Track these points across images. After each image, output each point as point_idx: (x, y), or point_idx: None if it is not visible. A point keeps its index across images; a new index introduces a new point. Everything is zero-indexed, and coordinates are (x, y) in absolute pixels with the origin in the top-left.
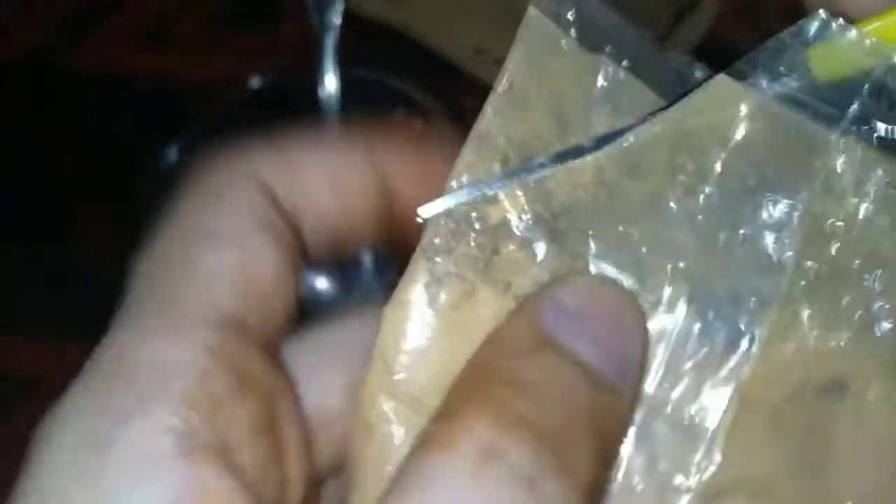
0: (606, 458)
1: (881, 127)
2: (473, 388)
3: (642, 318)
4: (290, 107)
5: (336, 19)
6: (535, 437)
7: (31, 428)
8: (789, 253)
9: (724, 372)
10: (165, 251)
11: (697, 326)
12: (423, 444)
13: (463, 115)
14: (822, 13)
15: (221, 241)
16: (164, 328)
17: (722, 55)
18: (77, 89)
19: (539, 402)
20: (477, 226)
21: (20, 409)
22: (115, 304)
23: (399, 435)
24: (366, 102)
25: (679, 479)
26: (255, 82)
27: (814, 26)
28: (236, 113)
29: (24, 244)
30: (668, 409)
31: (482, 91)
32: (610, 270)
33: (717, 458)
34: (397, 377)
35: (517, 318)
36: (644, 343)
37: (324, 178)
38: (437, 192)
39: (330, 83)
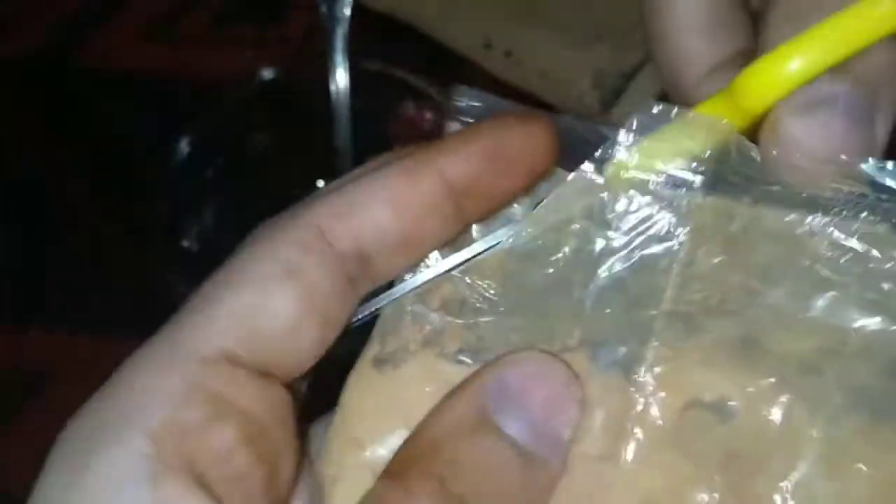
0: None
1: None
2: (421, 459)
3: (578, 399)
4: (299, 100)
5: (345, 11)
6: None
7: (41, 422)
8: (663, 299)
9: (629, 404)
10: (199, 290)
11: (602, 377)
12: (376, 501)
13: None
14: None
15: (242, 284)
16: (157, 359)
17: None
18: (84, 87)
19: (472, 481)
20: (418, 310)
21: (30, 405)
22: (124, 298)
23: (353, 484)
24: (375, 95)
25: None
26: (264, 75)
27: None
28: (246, 107)
29: (29, 242)
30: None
31: (491, 83)
32: (521, 338)
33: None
34: (354, 432)
35: (464, 395)
36: (576, 423)
37: (389, 210)
38: (510, 184)
39: (340, 75)
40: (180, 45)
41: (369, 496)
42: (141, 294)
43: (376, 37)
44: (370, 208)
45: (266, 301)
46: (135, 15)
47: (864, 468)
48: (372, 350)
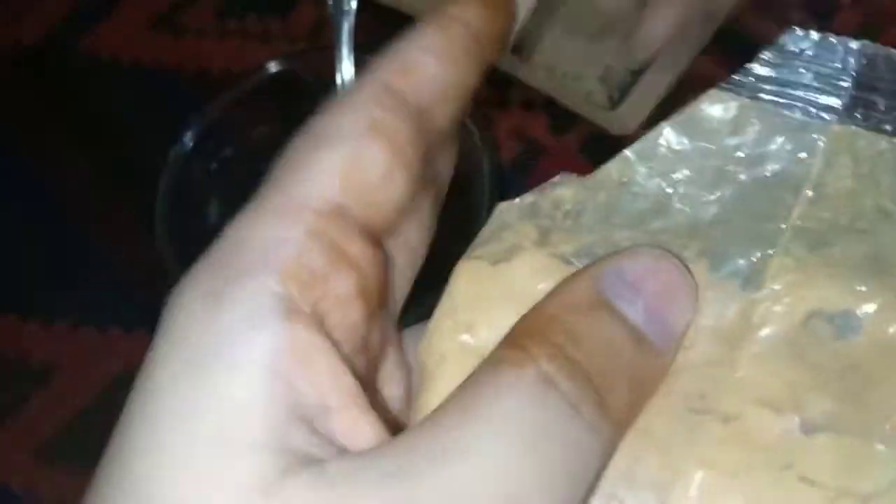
0: (638, 404)
1: (873, 116)
2: (538, 330)
3: (693, 294)
4: (305, 92)
5: (352, 4)
6: (581, 377)
7: (45, 415)
8: (791, 216)
9: (748, 313)
10: (288, 152)
11: (720, 286)
12: (495, 361)
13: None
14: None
15: (333, 141)
16: (272, 212)
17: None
18: (87, 77)
19: (588, 351)
20: (534, 209)
21: (34, 396)
22: (128, 289)
23: (461, 365)
24: None
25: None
26: (270, 67)
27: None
28: (251, 99)
29: (35, 231)
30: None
31: (495, 74)
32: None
33: (742, 379)
34: (464, 317)
35: (581, 278)
36: (690, 316)
37: (435, 60)
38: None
39: (346, 68)
40: (185, 36)
41: (488, 359)
42: (142, 286)
43: (383, 30)
44: (421, 62)
45: (361, 154)
46: (139, 5)
47: None
48: (483, 242)
